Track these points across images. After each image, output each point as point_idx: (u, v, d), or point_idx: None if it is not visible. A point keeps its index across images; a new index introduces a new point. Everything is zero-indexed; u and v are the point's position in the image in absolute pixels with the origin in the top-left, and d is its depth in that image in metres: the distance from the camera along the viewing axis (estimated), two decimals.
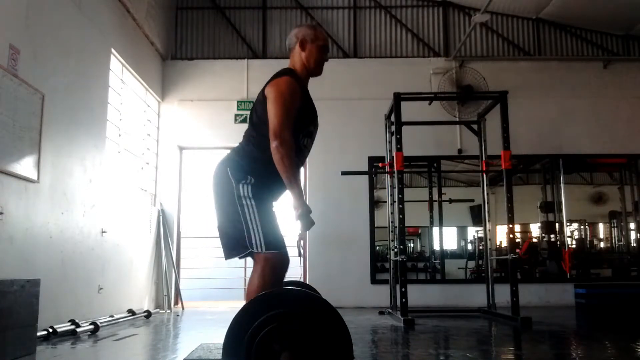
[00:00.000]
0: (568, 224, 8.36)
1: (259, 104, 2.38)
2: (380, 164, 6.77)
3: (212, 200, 2.41)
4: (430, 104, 7.21)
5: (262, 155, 2.31)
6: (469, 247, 10.30)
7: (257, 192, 2.29)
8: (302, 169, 2.70)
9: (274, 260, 2.23)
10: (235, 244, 2.31)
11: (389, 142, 6.35)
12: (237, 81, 7.74)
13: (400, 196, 5.46)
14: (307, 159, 2.70)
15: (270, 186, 2.34)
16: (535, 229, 9.46)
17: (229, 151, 2.47)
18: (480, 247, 8.42)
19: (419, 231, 10.62)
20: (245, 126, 2.55)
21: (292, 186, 2.23)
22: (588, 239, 9.61)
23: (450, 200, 8.57)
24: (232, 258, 2.36)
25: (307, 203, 2.30)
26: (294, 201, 2.23)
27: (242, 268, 8.55)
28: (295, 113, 2.32)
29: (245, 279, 8.42)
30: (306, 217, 2.22)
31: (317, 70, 2.51)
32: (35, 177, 4.16)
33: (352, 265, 7.31)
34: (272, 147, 2.24)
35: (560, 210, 8.03)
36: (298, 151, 2.39)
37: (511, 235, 5.40)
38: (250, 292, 2.21)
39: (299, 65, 2.49)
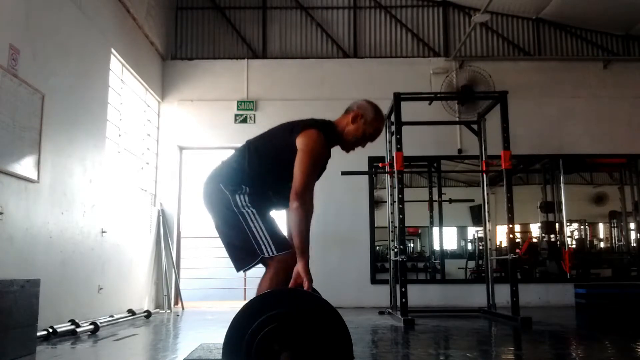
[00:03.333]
0: (568, 224, 8.36)
1: (281, 141, 2.32)
2: (380, 164, 6.77)
3: (211, 218, 2.34)
4: (430, 104, 7.20)
5: (253, 174, 2.30)
6: (469, 247, 10.31)
7: (255, 200, 2.27)
8: None
9: (285, 261, 2.22)
10: (244, 254, 2.27)
11: (389, 142, 6.34)
12: (237, 81, 7.73)
13: (400, 196, 5.46)
14: None
15: (264, 196, 2.32)
16: (535, 229, 9.47)
17: (213, 169, 2.41)
18: (480, 247, 8.42)
19: (419, 231, 10.63)
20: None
21: (301, 253, 2.14)
22: (588, 239, 9.62)
23: (450, 200, 8.58)
24: (245, 269, 2.29)
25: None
26: (300, 269, 2.13)
27: None
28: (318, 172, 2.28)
29: (245, 279, 8.43)
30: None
31: (348, 146, 2.47)
32: (35, 177, 4.16)
33: (352, 265, 7.31)
34: (292, 207, 2.16)
35: (560, 210, 8.02)
36: (282, 197, 2.31)
37: (511, 235, 5.40)
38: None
39: (340, 130, 2.46)
